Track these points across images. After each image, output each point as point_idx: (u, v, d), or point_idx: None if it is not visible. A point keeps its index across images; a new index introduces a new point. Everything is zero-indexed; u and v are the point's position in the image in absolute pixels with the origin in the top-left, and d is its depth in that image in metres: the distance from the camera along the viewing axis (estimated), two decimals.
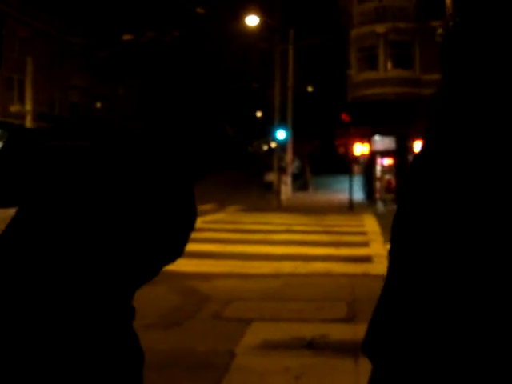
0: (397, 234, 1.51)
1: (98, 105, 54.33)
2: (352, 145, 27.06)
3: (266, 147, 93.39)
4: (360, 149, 28.13)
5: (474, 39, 1.32)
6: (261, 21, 28.22)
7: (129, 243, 1.74)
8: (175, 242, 1.86)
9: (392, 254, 1.49)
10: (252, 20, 28.33)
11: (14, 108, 40.57)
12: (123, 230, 1.73)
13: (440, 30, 25.62)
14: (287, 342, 5.40)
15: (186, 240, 1.90)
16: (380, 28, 27.10)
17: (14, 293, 1.66)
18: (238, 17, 29.17)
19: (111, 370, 1.71)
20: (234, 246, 11.65)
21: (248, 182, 40.54)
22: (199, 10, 24.47)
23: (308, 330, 5.70)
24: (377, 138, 28.04)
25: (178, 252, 1.89)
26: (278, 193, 25.60)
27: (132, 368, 1.78)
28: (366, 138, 28.75)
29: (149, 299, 6.18)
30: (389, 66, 27.42)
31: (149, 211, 1.78)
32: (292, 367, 4.73)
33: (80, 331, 1.67)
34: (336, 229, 15.40)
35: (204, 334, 5.68)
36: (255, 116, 79.07)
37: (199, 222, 10.61)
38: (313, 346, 5.29)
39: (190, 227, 1.91)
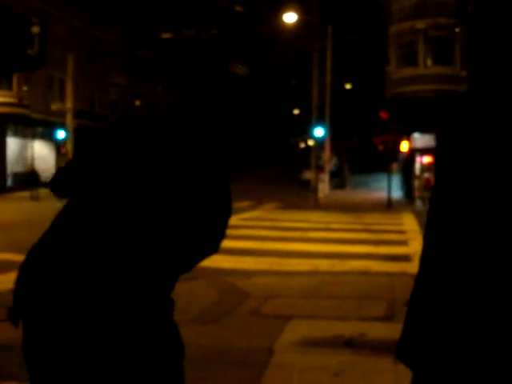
0: (429, 234, 1.49)
1: (137, 102, 54.93)
2: (391, 142, 26.79)
3: (303, 145, 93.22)
4: (404, 146, 27.79)
5: (496, 36, 1.31)
6: (299, 18, 28.16)
7: (170, 234, 1.77)
8: (213, 234, 1.89)
9: (424, 252, 1.47)
10: (290, 17, 28.30)
11: (54, 106, 41.33)
12: (165, 220, 1.77)
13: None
14: (326, 339, 5.39)
15: (222, 233, 1.93)
16: (420, 24, 26.77)
17: (64, 282, 1.71)
18: (276, 14, 29.15)
19: (152, 359, 1.75)
20: (272, 244, 11.66)
21: (284, 179, 40.49)
22: (238, 8, 24.50)
23: (346, 328, 5.67)
24: (416, 135, 27.71)
25: (215, 246, 1.91)
26: (316, 191, 25.54)
27: (172, 358, 1.81)
28: (405, 135, 28.44)
29: (188, 295, 6.24)
30: (429, 62, 27.08)
31: (189, 203, 1.81)
32: (330, 365, 4.72)
33: (123, 320, 1.70)
34: (374, 227, 15.30)
35: (242, 330, 5.71)
36: (292, 113, 78.97)
37: (237, 220, 10.86)
38: (351, 344, 5.26)
39: (226, 220, 1.93)
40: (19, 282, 1.79)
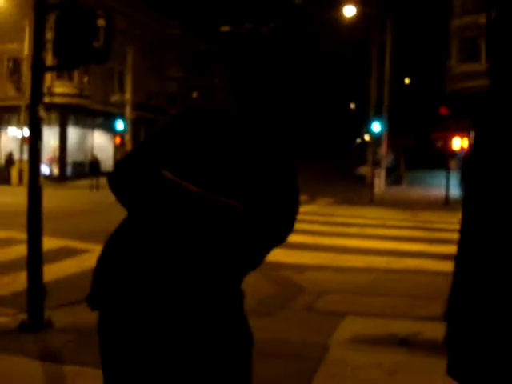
0: (465, 227, 1.47)
1: (195, 95, 55.47)
2: (450, 139, 26.25)
3: (359, 140, 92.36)
4: (459, 143, 27.24)
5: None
6: (358, 11, 27.86)
7: (241, 229, 1.78)
8: (283, 227, 1.89)
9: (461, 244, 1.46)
10: (349, 10, 28.04)
11: (114, 97, 42.18)
12: (238, 217, 1.78)
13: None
14: (380, 337, 5.35)
15: (291, 226, 1.92)
16: (483, 18, 26.12)
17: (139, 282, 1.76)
18: (336, 7, 28.92)
19: (224, 348, 1.79)
20: (327, 239, 11.62)
21: (339, 174, 40.18)
22: (297, 1, 24.42)
23: (402, 327, 5.61)
24: None
25: (284, 238, 1.92)
26: (372, 186, 25.27)
27: (243, 346, 1.85)
28: (466, 132, 27.81)
29: (243, 287, 6.28)
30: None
31: (260, 197, 1.79)
32: (385, 363, 4.69)
33: (196, 311, 1.75)
34: (430, 225, 15.05)
35: (297, 324, 5.72)
36: (351, 109, 78.24)
37: None
38: (407, 343, 5.21)
39: (295, 213, 1.93)
40: (99, 269, 1.85)
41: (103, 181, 27.48)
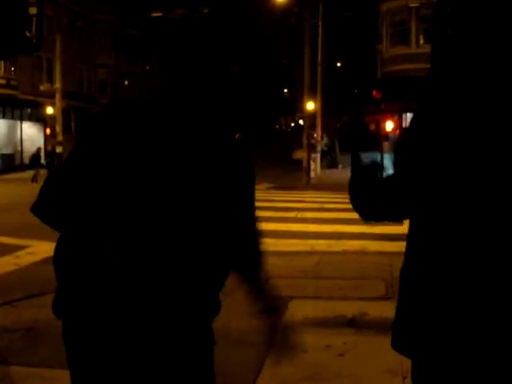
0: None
1: (126, 82, 54.53)
2: (383, 121, 26.80)
3: (293, 124, 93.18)
4: (391, 125, 27.85)
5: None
6: None
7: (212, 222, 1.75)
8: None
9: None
10: None
11: (43, 87, 40.96)
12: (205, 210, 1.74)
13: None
14: (328, 319, 5.42)
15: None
16: (412, 2, 26.64)
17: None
18: None
19: (191, 358, 1.81)
20: (267, 224, 11.57)
21: (276, 159, 40.47)
22: None
23: (348, 308, 5.71)
24: (409, 114, 27.71)
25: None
26: (308, 170, 25.53)
27: (207, 350, 1.87)
28: (398, 114, 28.45)
29: None
30: (421, 40, 27.00)
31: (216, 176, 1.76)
32: (334, 345, 4.75)
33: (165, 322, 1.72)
34: None
35: (244, 311, 5.70)
36: (282, 93, 78.72)
37: None
38: (354, 323, 5.30)
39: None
40: (60, 276, 1.76)
41: (43, 172, 26.78)
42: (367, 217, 1.74)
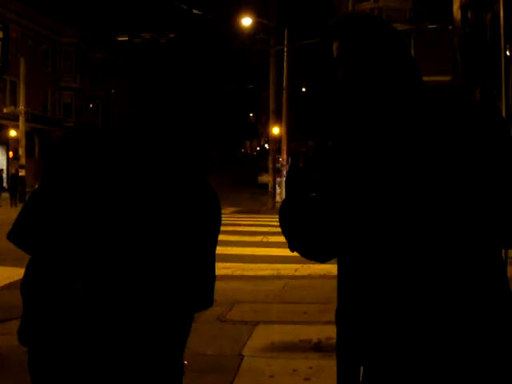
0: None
1: (91, 105, 54.21)
2: None
3: (258, 148, 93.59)
4: None
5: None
6: (255, 22, 28.27)
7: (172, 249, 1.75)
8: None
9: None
10: (246, 21, 28.41)
11: (7, 109, 40.41)
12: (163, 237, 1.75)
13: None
14: (294, 344, 5.42)
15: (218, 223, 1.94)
16: None
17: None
18: (234, 18, 29.22)
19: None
20: (233, 248, 11.64)
21: (241, 183, 40.55)
22: (196, 12, 24.47)
23: (314, 332, 5.71)
24: None
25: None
26: (274, 194, 25.63)
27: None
28: None
29: None
30: None
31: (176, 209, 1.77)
32: (301, 369, 4.75)
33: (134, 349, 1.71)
34: None
35: (210, 336, 5.69)
36: (248, 117, 79.18)
37: None
38: (320, 347, 5.31)
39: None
40: (26, 302, 1.75)
41: (5, 195, 26.35)
42: (293, 247, 1.66)
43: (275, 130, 27.72)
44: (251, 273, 9.18)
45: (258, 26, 28.63)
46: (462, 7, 13.32)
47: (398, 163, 1.50)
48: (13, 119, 36.98)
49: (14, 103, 39.09)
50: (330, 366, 4.88)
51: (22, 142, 33.95)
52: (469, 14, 12.82)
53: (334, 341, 5.44)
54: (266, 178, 30.69)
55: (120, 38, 31.32)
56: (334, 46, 1.63)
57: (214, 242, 1.91)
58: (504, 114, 6.68)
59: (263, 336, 5.65)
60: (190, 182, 1.83)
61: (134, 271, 1.68)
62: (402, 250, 1.47)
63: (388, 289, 1.49)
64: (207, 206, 1.87)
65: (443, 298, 1.44)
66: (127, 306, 1.67)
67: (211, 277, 1.90)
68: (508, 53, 8.47)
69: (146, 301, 1.70)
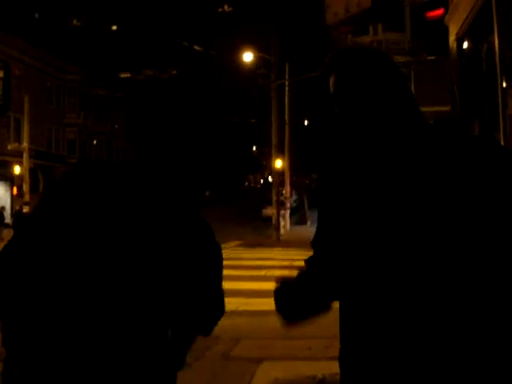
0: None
1: (95, 142, 54.55)
2: None
3: (262, 181, 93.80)
4: None
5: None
6: (257, 56, 28.58)
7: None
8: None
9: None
10: (248, 56, 28.73)
11: (11, 146, 40.67)
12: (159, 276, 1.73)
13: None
14: (299, 381, 5.35)
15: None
16: None
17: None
18: (236, 54, 29.57)
19: None
20: (237, 283, 11.57)
21: (246, 216, 40.51)
22: (197, 48, 24.77)
23: (318, 368, 5.64)
24: None
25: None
26: (278, 227, 25.58)
27: None
28: None
29: None
30: None
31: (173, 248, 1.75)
32: None
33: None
34: None
35: (215, 374, 5.62)
36: (251, 150, 79.54)
37: None
38: None
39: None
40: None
41: (7, 231, 26.36)
42: (292, 317, 1.79)
43: (278, 164, 27.81)
44: (255, 308, 9.09)
45: (259, 61, 28.95)
46: (458, 39, 13.47)
47: (394, 206, 1.48)
48: (17, 156, 37.17)
49: (18, 140, 39.32)
50: None
51: (26, 179, 34.09)
52: (465, 46, 12.96)
53: (339, 377, 5.39)
54: (269, 211, 30.69)
55: (123, 75, 31.65)
56: (331, 81, 1.61)
57: (218, 279, 1.90)
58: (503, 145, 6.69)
59: (268, 373, 5.58)
60: (183, 221, 1.80)
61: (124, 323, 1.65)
62: (402, 294, 1.45)
63: (390, 332, 1.47)
64: (203, 244, 1.84)
65: (444, 342, 1.42)
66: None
67: (218, 313, 1.88)
68: (504, 84, 8.53)
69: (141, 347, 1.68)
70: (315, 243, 1.75)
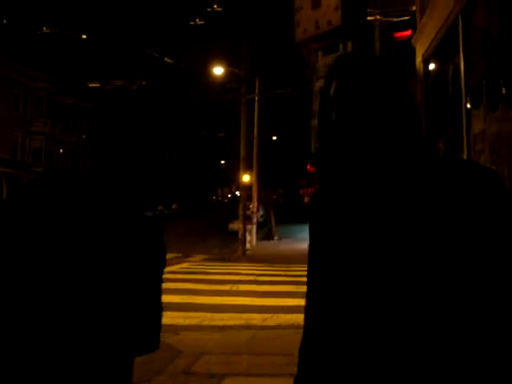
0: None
1: (61, 151, 53.94)
2: None
3: (229, 195, 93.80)
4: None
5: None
6: (227, 71, 28.65)
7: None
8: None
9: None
10: (218, 70, 28.79)
11: None
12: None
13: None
14: None
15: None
16: None
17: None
18: (207, 67, 29.61)
19: None
20: (201, 297, 11.49)
21: (212, 230, 40.38)
22: (167, 60, 24.70)
23: None
24: None
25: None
26: (244, 242, 25.52)
27: None
28: None
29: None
30: None
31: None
32: None
33: None
34: (303, 279, 15.22)
35: None
36: (219, 164, 79.54)
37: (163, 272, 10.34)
38: None
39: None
40: None
41: None
42: None
43: (245, 178, 27.82)
44: (220, 323, 9.00)
45: (229, 75, 29.01)
46: (425, 60, 13.69)
47: (386, 227, 1.43)
48: None
49: None
50: None
51: None
52: (431, 67, 13.15)
53: None
54: (236, 226, 30.59)
55: (91, 85, 31.42)
56: (332, 86, 1.55)
57: (158, 280, 1.87)
58: None
59: None
60: (134, 222, 1.80)
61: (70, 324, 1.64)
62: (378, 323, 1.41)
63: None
64: (150, 249, 1.84)
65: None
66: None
67: (155, 318, 1.84)
68: (469, 105, 8.66)
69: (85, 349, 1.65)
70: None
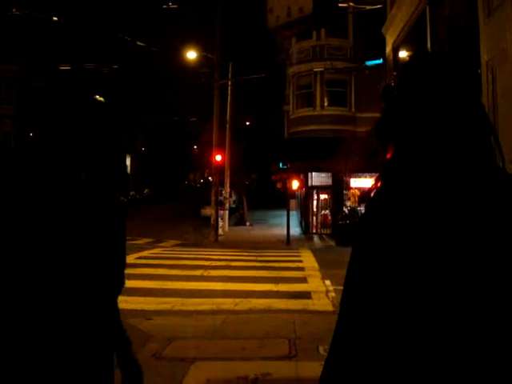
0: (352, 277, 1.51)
1: (31, 134, 53.23)
2: (289, 180, 27.39)
3: (202, 180, 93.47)
4: (297, 184, 28.52)
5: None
6: (200, 55, 28.49)
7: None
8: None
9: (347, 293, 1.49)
10: (191, 54, 28.61)
11: None
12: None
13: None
14: (231, 381, 5.36)
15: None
16: (317, 66, 27.77)
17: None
18: (180, 51, 29.38)
19: None
20: (173, 283, 11.52)
21: (184, 215, 40.28)
22: (140, 44, 24.47)
23: (251, 369, 5.67)
24: (313, 173, 28.52)
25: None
26: (216, 227, 25.53)
27: None
28: (303, 173, 29.21)
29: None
30: (325, 103, 28.06)
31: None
32: None
33: None
34: (274, 264, 15.46)
35: (145, 374, 5.56)
36: (192, 149, 79.13)
37: (134, 258, 10.59)
38: None
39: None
40: None
41: None
42: None
43: (218, 157, 27.75)
44: (191, 307, 9.06)
45: (202, 60, 28.83)
46: (394, 49, 13.81)
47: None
48: None
49: None
50: None
51: None
52: (401, 55, 13.28)
53: (271, 377, 5.43)
54: (208, 211, 30.57)
55: (62, 67, 30.97)
56: (407, 85, 1.55)
57: (122, 240, 1.89)
58: None
59: (200, 373, 5.57)
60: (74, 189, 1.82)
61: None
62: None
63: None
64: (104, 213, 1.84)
65: None
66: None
67: (120, 267, 1.89)
68: None
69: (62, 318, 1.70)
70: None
